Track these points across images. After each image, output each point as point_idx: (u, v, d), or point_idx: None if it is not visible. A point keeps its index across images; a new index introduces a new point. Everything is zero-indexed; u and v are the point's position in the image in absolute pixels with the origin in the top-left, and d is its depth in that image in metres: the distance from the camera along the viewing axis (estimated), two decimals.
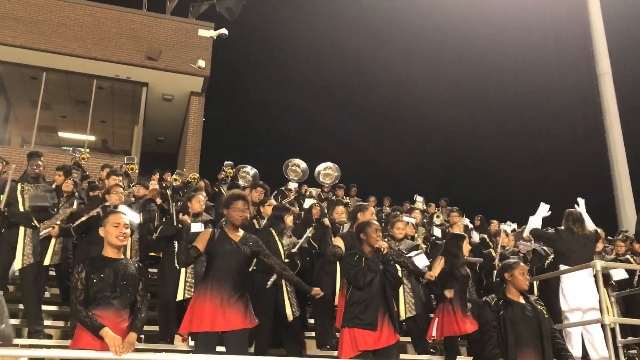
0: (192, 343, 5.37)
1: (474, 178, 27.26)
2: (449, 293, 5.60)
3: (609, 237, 9.63)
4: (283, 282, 5.79)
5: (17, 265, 5.92)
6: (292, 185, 10.56)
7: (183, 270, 5.96)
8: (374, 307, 4.48)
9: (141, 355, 3.80)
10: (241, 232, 4.42)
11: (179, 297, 5.91)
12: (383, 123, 29.88)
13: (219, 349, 4.24)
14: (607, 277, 6.99)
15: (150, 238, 7.28)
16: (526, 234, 6.79)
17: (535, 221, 6.55)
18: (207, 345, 4.07)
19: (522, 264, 4.58)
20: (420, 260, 6.13)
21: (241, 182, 10.22)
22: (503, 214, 10.65)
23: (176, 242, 6.16)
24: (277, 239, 5.99)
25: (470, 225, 10.21)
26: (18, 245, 5.93)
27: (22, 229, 6.02)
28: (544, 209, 6.65)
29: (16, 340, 5.66)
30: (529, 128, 28.37)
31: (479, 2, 23.89)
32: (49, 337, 5.96)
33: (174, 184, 10.76)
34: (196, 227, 5.94)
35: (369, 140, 29.57)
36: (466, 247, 5.97)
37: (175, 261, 5.93)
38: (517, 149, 28.37)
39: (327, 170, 10.90)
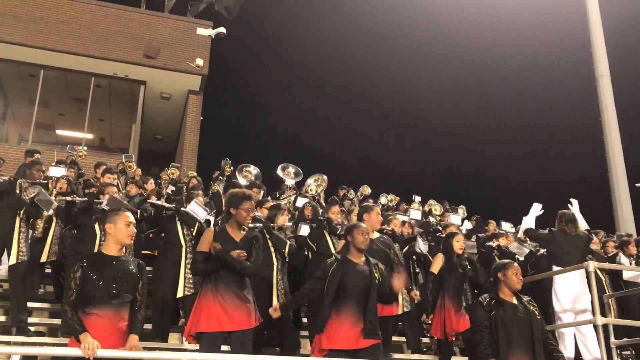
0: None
1: (476, 178, 27.36)
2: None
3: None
4: (275, 278, 5.90)
5: (11, 260, 5.82)
6: (289, 183, 10.62)
7: (182, 267, 6.01)
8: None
9: (143, 354, 3.71)
10: (244, 231, 4.43)
11: (179, 294, 5.94)
12: (385, 122, 29.94)
13: (223, 347, 4.27)
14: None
15: (143, 236, 7.32)
16: (520, 234, 6.80)
17: (529, 221, 6.56)
18: (213, 345, 4.07)
19: (515, 264, 4.57)
20: (421, 246, 6.96)
21: (244, 181, 10.18)
22: (504, 213, 10.69)
23: (171, 241, 6.23)
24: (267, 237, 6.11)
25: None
26: (14, 242, 5.84)
27: (16, 224, 5.92)
28: (536, 209, 6.66)
29: (8, 338, 5.66)
30: (529, 129, 28.49)
31: (480, 6, 23.92)
32: (42, 334, 5.94)
33: (171, 176, 10.80)
34: (198, 210, 6.21)
35: (371, 140, 29.62)
36: (457, 244, 6.00)
37: (184, 262, 6.02)
38: (518, 149, 28.51)
39: (319, 181, 10.93)
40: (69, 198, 6.18)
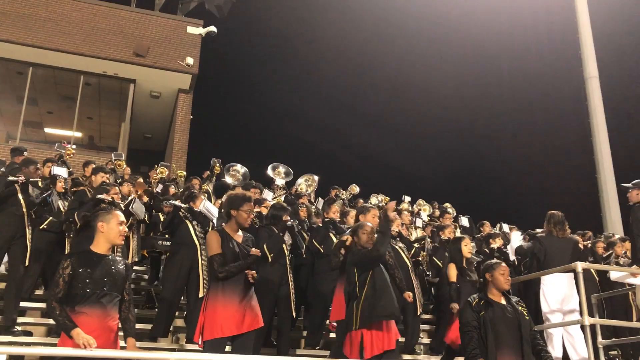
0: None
1: (475, 178, 27.56)
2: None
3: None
4: (290, 279, 5.91)
5: (27, 262, 5.88)
6: (279, 182, 10.60)
7: (200, 267, 6.06)
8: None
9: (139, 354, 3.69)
10: (241, 233, 4.46)
11: (200, 294, 5.96)
12: (385, 121, 29.98)
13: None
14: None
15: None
16: (513, 257, 6.94)
17: (514, 245, 6.76)
18: (219, 348, 4.08)
19: (503, 264, 4.59)
20: None
21: (231, 181, 10.16)
22: (503, 214, 10.78)
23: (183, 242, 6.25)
24: None
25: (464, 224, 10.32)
26: (28, 243, 5.89)
27: (26, 225, 5.91)
28: (516, 236, 6.98)
29: None
30: (522, 129, 28.64)
31: (475, 8, 24.14)
32: (29, 334, 5.89)
33: (160, 176, 10.76)
34: (212, 208, 6.38)
35: (371, 139, 29.64)
36: (465, 249, 5.99)
37: (200, 262, 6.09)
38: (512, 151, 28.67)
39: (309, 182, 10.95)
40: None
